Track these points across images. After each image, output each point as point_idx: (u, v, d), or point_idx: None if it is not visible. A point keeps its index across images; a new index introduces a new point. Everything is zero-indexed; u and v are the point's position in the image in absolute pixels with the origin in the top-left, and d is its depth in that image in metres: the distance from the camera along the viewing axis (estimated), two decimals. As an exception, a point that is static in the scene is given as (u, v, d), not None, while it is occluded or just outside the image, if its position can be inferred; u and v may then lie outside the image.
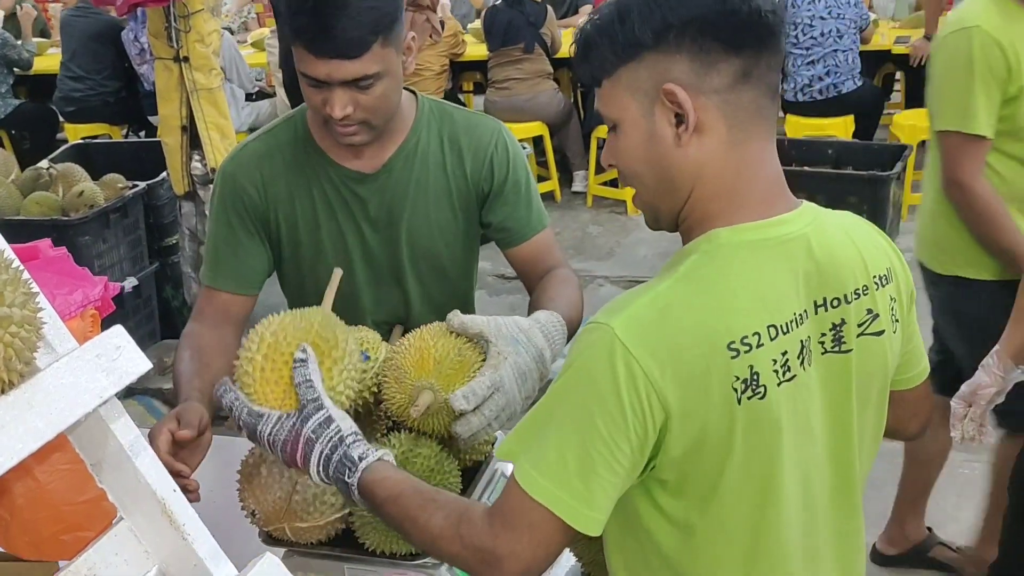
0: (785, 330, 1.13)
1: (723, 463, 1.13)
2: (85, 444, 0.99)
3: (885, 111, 6.23)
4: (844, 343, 1.19)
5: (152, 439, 1.44)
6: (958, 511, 3.22)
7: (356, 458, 1.24)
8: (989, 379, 2.04)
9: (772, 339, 1.11)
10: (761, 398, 1.11)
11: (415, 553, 1.43)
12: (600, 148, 5.88)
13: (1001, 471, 2.78)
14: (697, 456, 1.12)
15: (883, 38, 6.13)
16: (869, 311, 1.21)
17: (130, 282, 3.96)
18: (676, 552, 1.19)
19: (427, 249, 1.83)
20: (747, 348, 1.10)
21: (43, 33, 8.50)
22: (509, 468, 1.41)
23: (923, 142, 5.83)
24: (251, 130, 6.85)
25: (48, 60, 7.55)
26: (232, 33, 7.53)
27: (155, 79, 4.01)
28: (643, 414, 1.08)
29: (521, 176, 1.85)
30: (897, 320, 1.26)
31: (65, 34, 6.78)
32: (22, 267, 0.90)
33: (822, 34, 5.46)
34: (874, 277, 1.22)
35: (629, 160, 1.19)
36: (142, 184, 4.19)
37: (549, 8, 6.32)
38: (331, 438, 1.26)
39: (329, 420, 1.27)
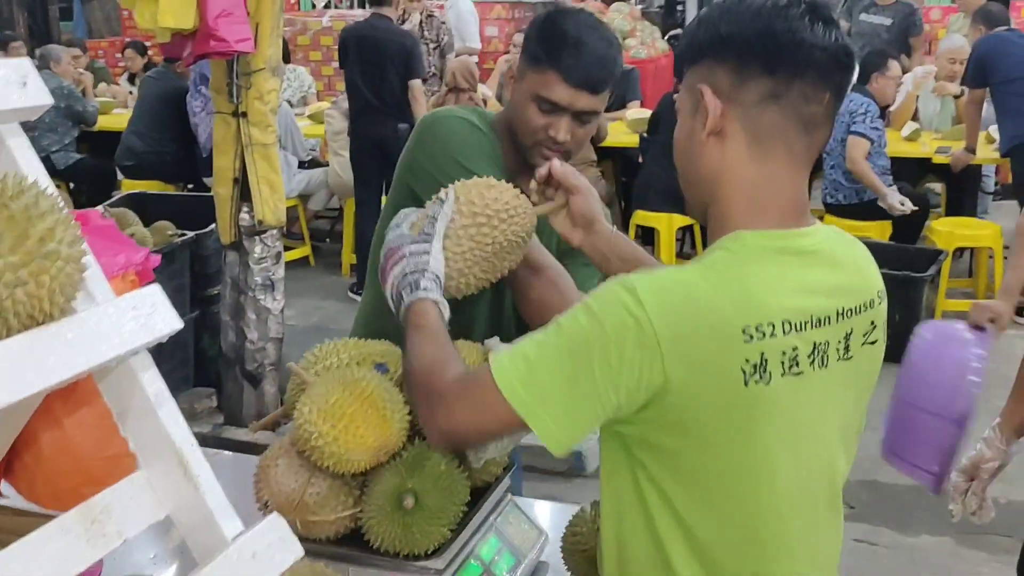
0: (799, 328, 1.20)
1: (721, 442, 1.19)
2: (113, 392, 1.05)
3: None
4: (850, 351, 1.27)
5: None
6: None
7: (422, 287, 1.42)
8: (991, 452, 2.06)
9: (785, 333, 1.19)
10: (767, 384, 1.18)
11: (419, 554, 1.47)
12: (638, 236, 5.99)
13: None
14: (695, 431, 1.19)
15: (924, 147, 6.21)
16: (872, 323, 1.30)
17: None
18: (669, 533, 1.24)
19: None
20: (760, 336, 1.17)
21: (106, 80, 8.95)
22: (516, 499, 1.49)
23: (959, 249, 5.87)
24: (301, 196, 7.08)
25: (112, 119, 7.85)
26: (292, 105, 7.78)
27: (213, 132, 4.17)
28: (640, 372, 1.15)
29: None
30: (885, 331, 1.34)
31: (140, 94, 7.09)
32: (73, 217, 0.97)
33: (836, 140, 5.61)
34: (878, 292, 1.32)
35: (677, 147, 1.34)
36: (191, 233, 4.33)
37: (596, 98, 6.49)
38: (418, 266, 1.44)
39: (426, 253, 1.45)
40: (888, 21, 7.70)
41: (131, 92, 8.56)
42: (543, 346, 1.22)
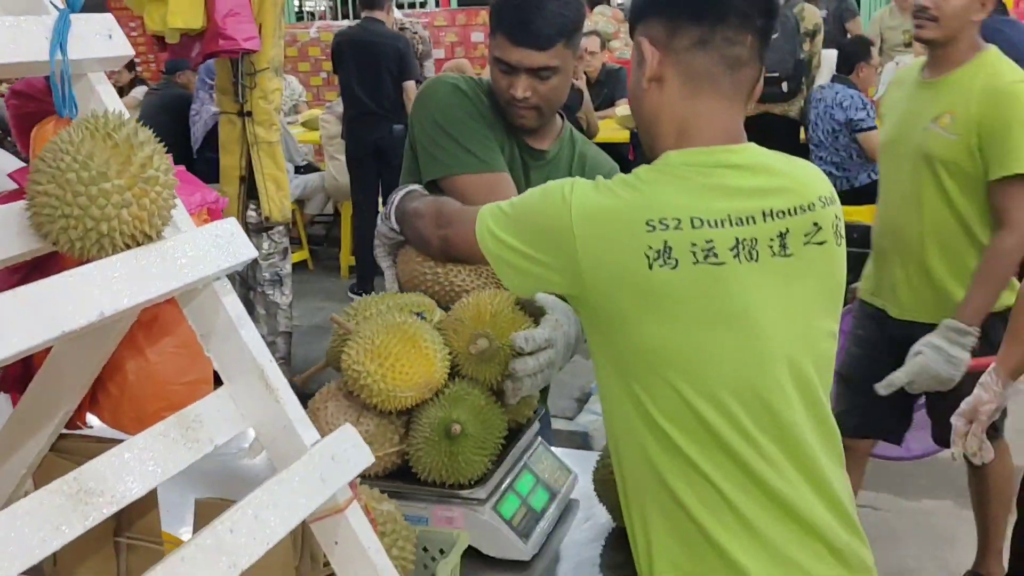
0: (713, 225, 1.35)
1: (639, 322, 1.36)
2: (198, 315, 1.15)
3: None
4: (787, 249, 1.41)
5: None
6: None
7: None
8: (988, 395, 2.16)
9: (694, 228, 1.35)
10: (672, 268, 1.34)
11: (463, 484, 1.57)
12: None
13: (991, 483, 2.93)
14: (617, 316, 1.37)
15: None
16: (814, 224, 1.43)
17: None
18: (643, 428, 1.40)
19: None
20: (664, 227, 1.34)
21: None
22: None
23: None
24: (298, 201, 7.18)
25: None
26: (284, 114, 7.88)
27: (220, 132, 4.27)
28: (558, 249, 1.39)
29: None
30: (842, 237, 1.48)
31: (144, 107, 7.18)
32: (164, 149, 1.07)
33: (824, 132, 5.74)
34: (819, 197, 1.45)
35: (630, 96, 1.53)
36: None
37: (585, 93, 6.60)
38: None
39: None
40: (823, 12, 7.88)
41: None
42: (507, 212, 1.48)
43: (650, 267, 1.34)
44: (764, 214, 1.39)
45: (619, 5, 11.90)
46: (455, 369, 1.63)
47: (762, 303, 1.39)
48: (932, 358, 2.67)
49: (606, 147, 6.83)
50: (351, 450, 1.17)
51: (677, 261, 1.34)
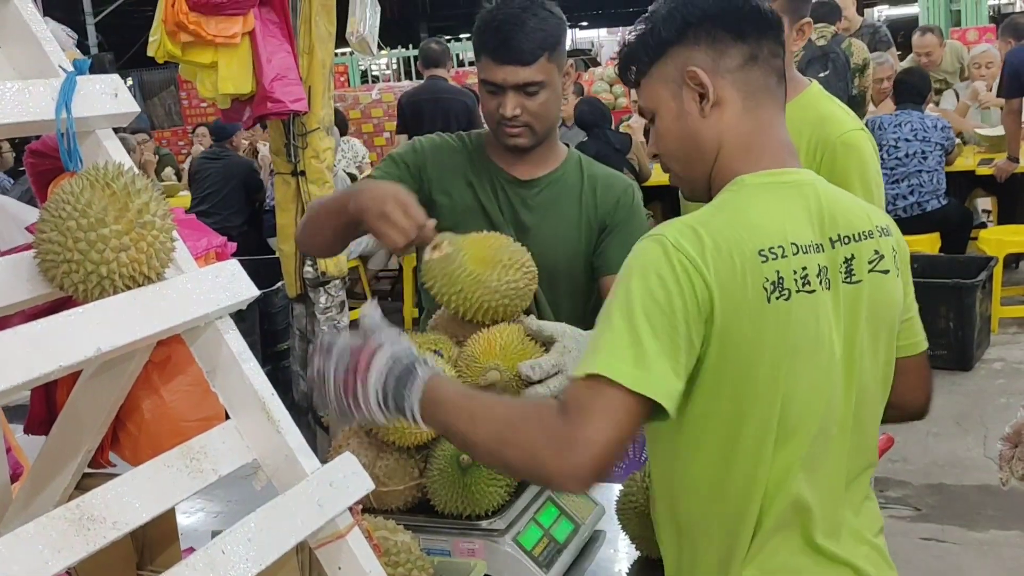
0: (804, 250, 1.33)
1: (751, 358, 1.29)
2: (203, 352, 1.21)
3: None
4: (854, 275, 1.38)
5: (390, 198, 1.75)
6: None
7: (415, 376, 1.33)
8: None
9: (793, 254, 1.31)
10: (786, 299, 1.30)
11: (480, 515, 1.60)
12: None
13: None
14: (730, 348, 1.29)
15: (967, 160, 6.28)
16: (876, 251, 1.41)
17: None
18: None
19: (549, 260, 2.01)
20: (774, 256, 1.30)
21: (171, 165, 9.36)
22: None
23: (1011, 255, 5.89)
24: (361, 257, 7.32)
25: (177, 201, 8.20)
26: (353, 180, 8.07)
27: (275, 192, 4.40)
28: (696, 300, 1.25)
29: (635, 224, 2.13)
30: (899, 269, 1.45)
31: (199, 175, 7.42)
32: (163, 196, 1.15)
33: (907, 155, 5.67)
34: (877, 226, 1.43)
35: (665, 140, 1.44)
36: (258, 292, 4.56)
37: (634, 137, 6.66)
38: (390, 366, 1.35)
39: (376, 348, 1.37)
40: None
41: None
42: (616, 328, 1.26)
43: (768, 300, 1.29)
44: (832, 240, 1.38)
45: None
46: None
47: (829, 331, 1.36)
48: None
49: (658, 190, 6.88)
50: (351, 477, 1.22)
51: (789, 292, 1.31)
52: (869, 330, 1.41)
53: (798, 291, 1.31)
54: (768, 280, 1.29)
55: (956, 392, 4.95)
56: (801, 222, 1.36)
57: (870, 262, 1.40)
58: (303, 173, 4.25)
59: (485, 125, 2.12)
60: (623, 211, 2.14)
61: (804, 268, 1.32)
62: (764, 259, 1.29)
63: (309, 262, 4.38)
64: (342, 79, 13.68)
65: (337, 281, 4.43)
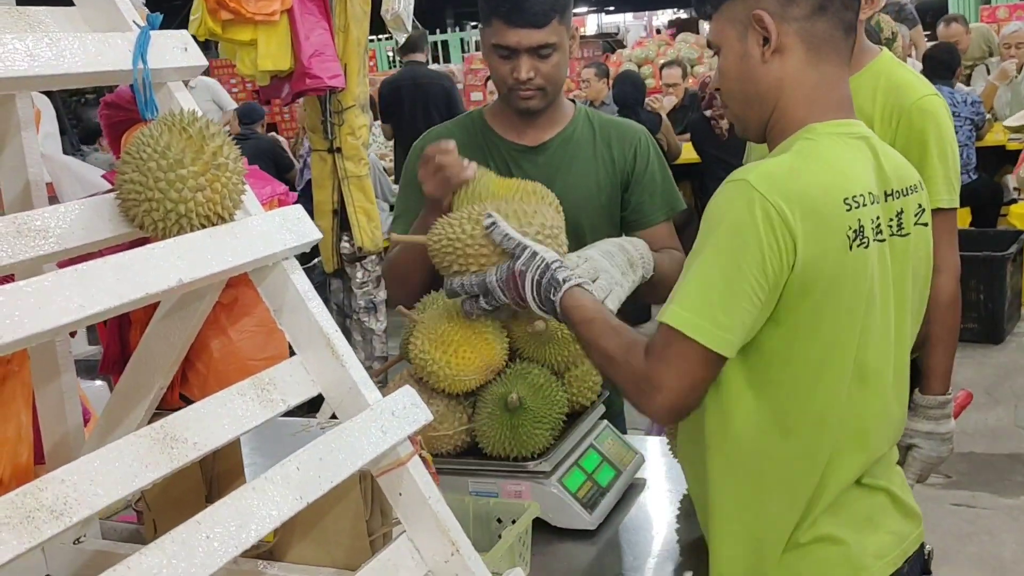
0: (873, 201, 1.37)
1: (830, 305, 1.33)
2: (270, 291, 1.28)
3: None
4: (903, 228, 1.43)
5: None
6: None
7: (560, 280, 1.50)
8: None
9: (871, 203, 1.36)
10: (865, 248, 1.34)
11: (527, 456, 1.66)
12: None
13: None
14: (810, 295, 1.32)
15: (998, 135, 6.27)
16: (920, 205, 1.46)
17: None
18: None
19: (571, 218, 2.01)
20: (856, 205, 1.34)
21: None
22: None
23: (1043, 230, 5.88)
24: (393, 238, 7.39)
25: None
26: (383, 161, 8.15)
27: (312, 169, 4.48)
28: (779, 250, 1.29)
29: (656, 169, 2.18)
30: (926, 224, 1.49)
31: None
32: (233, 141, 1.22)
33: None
34: (917, 180, 1.48)
35: (726, 79, 1.48)
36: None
37: (664, 116, 6.69)
38: (538, 266, 1.52)
39: (534, 254, 1.54)
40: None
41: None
42: (697, 280, 1.32)
43: (850, 248, 1.32)
44: (886, 194, 1.42)
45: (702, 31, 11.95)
46: (516, 352, 1.74)
47: (893, 280, 1.41)
48: (930, 447, 2.21)
49: (687, 167, 6.92)
50: (410, 408, 1.28)
51: (868, 240, 1.34)
52: (913, 281, 1.46)
53: (873, 240, 1.35)
54: (851, 228, 1.33)
55: (987, 364, 4.98)
56: (871, 173, 1.40)
57: (915, 215, 1.45)
58: (339, 150, 4.33)
59: (492, 94, 2.18)
60: (642, 160, 2.18)
61: (877, 218, 1.36)
62: (848, 207, 1.33)
63: (346, 238, 4.45)
64: (371, 63, 13.76)
65: (373, 256, 4.50)
